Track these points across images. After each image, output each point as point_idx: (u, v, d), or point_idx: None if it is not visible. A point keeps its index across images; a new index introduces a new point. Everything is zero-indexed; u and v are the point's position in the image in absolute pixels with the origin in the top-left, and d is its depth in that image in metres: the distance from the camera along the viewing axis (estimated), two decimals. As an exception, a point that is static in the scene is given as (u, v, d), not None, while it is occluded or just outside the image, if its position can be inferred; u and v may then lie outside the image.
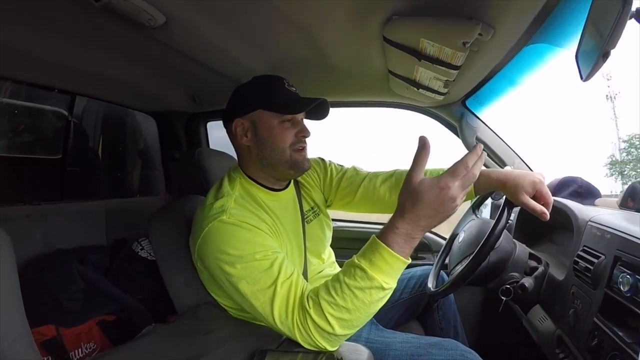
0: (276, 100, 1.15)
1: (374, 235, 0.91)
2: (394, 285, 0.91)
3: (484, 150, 0.87)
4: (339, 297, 0.90)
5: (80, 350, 1.37)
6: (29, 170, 2.16)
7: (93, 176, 2.57)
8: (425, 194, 0.83)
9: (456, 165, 0.84)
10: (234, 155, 1.30)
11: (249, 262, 0.97)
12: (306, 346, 0.95)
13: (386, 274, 0.89)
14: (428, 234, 2.17)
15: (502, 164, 1.84)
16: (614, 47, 0.75)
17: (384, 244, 0.88)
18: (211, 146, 2.42)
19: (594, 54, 0.80)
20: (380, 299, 0.92)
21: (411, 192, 0.85)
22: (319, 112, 1.24)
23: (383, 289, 0.89)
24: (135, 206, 2.27)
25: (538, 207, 1.08)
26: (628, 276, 0.89)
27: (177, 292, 1.27)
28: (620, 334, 0.88)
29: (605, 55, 0.77)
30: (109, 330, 1.46)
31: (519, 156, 1.85)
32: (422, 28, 1.07)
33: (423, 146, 0.85)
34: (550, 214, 1.09)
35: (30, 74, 1.60)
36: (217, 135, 2.44)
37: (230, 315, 1.19)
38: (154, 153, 2.54)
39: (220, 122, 1.27)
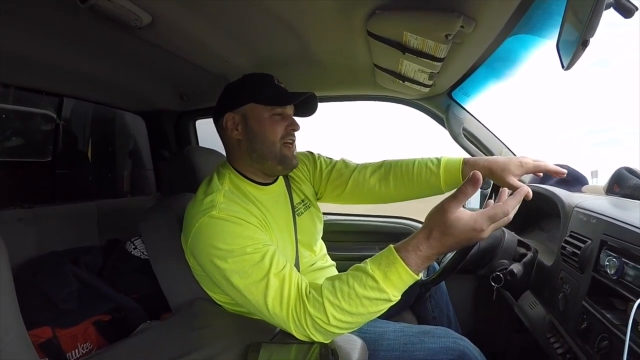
0: (267, 94, 1.17)
1: (391, 246, 0.90)
2: (399, 297, 0.91)
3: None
4: (345, 302, 0.90)
5: (77, 350, 1.37)
6: (20, 174, 2.15)
7: (84, 178, 2.56)
8: (458, 230, 0.83)
9: (496, 209, 0.83)
10: (223, 152, 1.31)
11: (240, 255, 0.98)
12: (300, 337, 0.96)
13: (396, 288, 0.89)
14: (417, 225, 2.18)
15: (489, 154, 1.85)
16: (592, 35, 0.75)
17: (402, 260, 0.87)
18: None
19: (574, 43, 0.81)
20: (384, 309, 0.92)
21: (444, 224, 0.84)
22: (307, 107, 1.25)
23: (390, 301, 0.90)
24: (126, 206, 2.26)
25: (525, 187, 1.09)
26: (614, 259, 0.90)
27: (171, 289, 1.27)
28: (608, 316, 0.88)
29: (584, 44, 0.78)
30: (105, 329, 1.46)
31: (506, 146, 1.87)
32: (405, 21, 1.08)
33: (473, 183, 0.82)
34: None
35: (17, 76, 1.58)
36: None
37: (225, 310, 1.20)
38: (144, 153, 2.53)
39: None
